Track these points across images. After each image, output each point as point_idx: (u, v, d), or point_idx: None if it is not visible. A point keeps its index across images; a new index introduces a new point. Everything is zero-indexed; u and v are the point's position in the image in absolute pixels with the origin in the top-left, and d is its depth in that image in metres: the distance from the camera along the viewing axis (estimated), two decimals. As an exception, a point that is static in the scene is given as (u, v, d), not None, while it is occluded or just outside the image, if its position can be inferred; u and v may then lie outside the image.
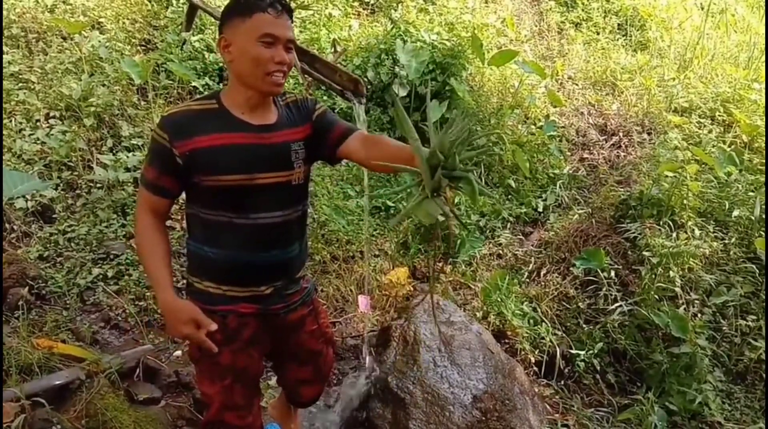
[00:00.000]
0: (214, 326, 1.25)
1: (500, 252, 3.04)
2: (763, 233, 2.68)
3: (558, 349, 2.41)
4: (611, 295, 2.57)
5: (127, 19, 3.88)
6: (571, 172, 3.66)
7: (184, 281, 1.44)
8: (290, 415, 1.78)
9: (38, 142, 2.92)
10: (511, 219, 3.29)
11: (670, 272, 2.52)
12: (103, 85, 3.26)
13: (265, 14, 1.17)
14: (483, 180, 3.50)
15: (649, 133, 3.90)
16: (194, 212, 1.29)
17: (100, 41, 3.52)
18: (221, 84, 3.74)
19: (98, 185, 2.86)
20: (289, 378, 1.58)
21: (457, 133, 1.05)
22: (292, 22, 1.24)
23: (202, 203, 1.27)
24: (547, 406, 2.25)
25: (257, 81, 1.20)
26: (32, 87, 3.19)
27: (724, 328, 2.50)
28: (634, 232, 2.76)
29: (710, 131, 3.66)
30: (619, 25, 5.10)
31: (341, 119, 1.38)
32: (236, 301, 1.32)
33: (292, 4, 2.95)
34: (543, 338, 2.43)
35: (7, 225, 2.60)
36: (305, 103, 1.35)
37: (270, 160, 1.25)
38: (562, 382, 2.42)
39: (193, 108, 1.24)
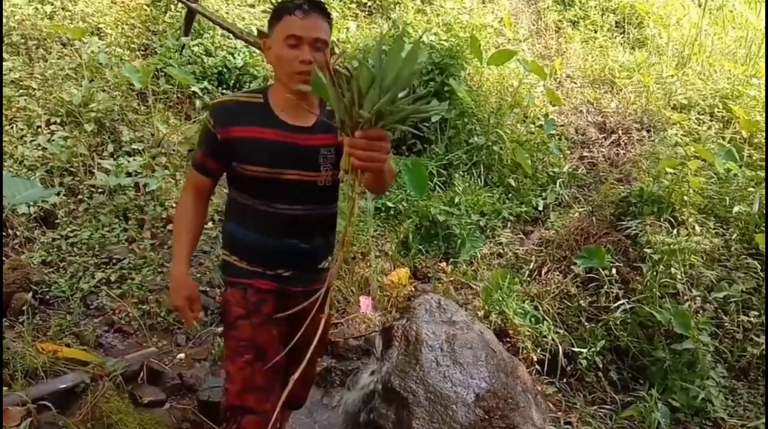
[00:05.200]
0: (201, 315, 1.39)
1: (501, 251, 3.04)
2: (763, 229, 2.68)
3: (560, 348, 2.42)
4: (612, 292, 2.58)
5: (126, 24, 3.90)
6: (570, 170, 3.66)
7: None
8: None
9: (39, 148, 2.94)
10: (511, 218, 3.30)
11: (672, 269, 2.52)
12: (103, 91, 3.28)
13: (292, 16, 1.25)
14: (483, 179, 3.51)
15: (648, 131, 3.90)
16: (231, 196, 1.43)
17: (99, 47, 3.54)
18: (220, 88, 3.76)
19: (100, 190, 2.88)
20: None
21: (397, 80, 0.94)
22: (329, 21, 1.30)
23: (236, 188, 1.40)
24: (550, 404, 2.25)
25: (285, 79, 1.29)
26: (33, 93, 3.21)
27: (726, 324, 2.50)
28: (634, 230, 2.76)
29: (709, 128, 3.66)
30: (616, 22, 5.10)
31: None
32: (257, 276, 1.42)
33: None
34: (545, 337, 2.44)
35: (10, 230, 2.61)
36: None
37: (296, 159, 1.33)
38: (565, 380, 2.42)
39: (240, 99, 1.36)
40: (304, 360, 1.50)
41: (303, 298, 1.40)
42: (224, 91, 3.70)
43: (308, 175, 1.35)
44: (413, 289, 2.75)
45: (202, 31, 3.95)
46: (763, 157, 3.19)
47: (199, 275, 2.64)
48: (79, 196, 2.85)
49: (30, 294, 2.32)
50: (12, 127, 3.01)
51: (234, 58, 3.81)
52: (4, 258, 2.42)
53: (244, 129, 1.31)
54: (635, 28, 5.04)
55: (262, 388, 1.38)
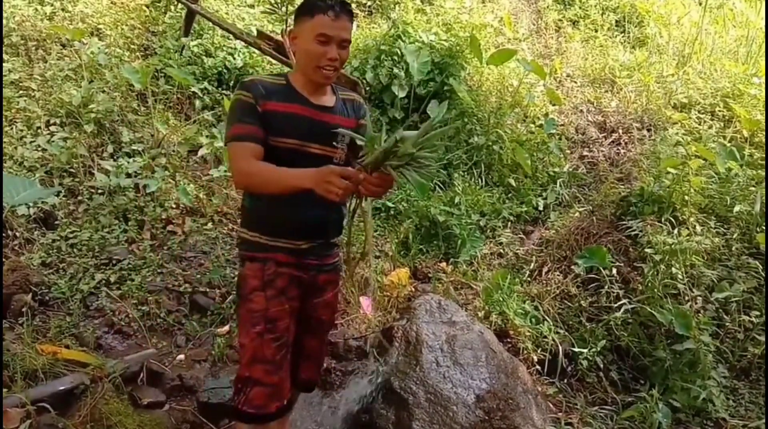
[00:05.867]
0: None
1: (501, 251, 3.04)
2: (764, 228, 2.68)
3: (560, 348, 2.41)
4: (613, 292, 2.57)
5: (126, 25, 3.90)
6: (571, 169, 3.66)
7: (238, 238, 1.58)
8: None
9: (39, 149, 2.93)
10: (511, 218, 3.29)
11: (673, 269, 2.52)
12: (103, 92, 3.28)
13: (324, 16, 1.37)
14: (483, 179, 3.50)
15: (648, 130, 3.89)
16: None
17: (99, 48, 3.54)
18: (220, 88, 3.75)
19: (99, 191, 2.87)
20: (294, 345, 1.59)
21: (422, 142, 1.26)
22: (353, 22, 1.43)
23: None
24: (551, 405, 2.25)
25: (310, 71, 1.43)
26: (32, 94, 3.21)
27: (728, 324, 2.50)
28: (635, 229, 2.75)
29: (710, 127, 3.65)
30: (617, 21, 5.10)
31: None
32: (276, 250, 1.49)
33: (289, 8, 2.96)
34: (545, 337, 2.43)
35: (9, 232, 2.61)
36: (360, 107, 1.58)
37: (319, 135, 1.46)
38: (565, 381, 2.41)
39: (267, 80, 1.47)
40: (317, 335, 1.58)
41: (316, 271, 1.54)
42: (224, 91, 3.70)
43: (327, 149, 1.46)
44: (413, 289, 2.74)
45: (201, 32, 3.94)
46: (764, 156, 3.18)
47: (198, 276, 2.64)
48: (79, 197, 2.85)
49: (30, 295, 2.32)
50: (12, 128, 3.01)
51: (234, 58, 3.80)
52: (3, 259, 2.42)
53: (278, 104, 1.42)
54: (635, 27, 5.03)
55: (271, 361, 1.44)
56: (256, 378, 1.43)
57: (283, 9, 3.00)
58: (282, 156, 1.41)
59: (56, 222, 2.73)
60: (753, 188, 2.90)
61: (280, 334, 1.45)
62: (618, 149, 3.82)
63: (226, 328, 2.42)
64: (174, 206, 2.93)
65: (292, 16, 1.53)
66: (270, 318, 1.44)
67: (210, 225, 2.95)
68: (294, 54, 1.48)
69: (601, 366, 2.42)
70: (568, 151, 3.81)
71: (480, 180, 3.49)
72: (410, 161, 1.25)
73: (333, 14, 1.36)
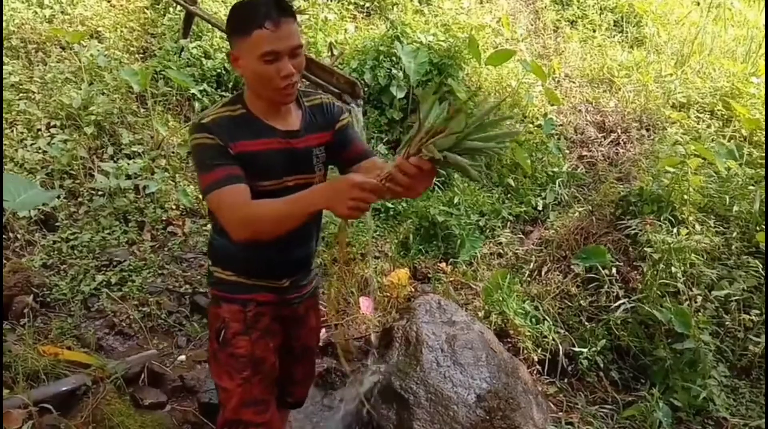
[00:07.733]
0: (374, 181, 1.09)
1: (501, 251, 3.04)
2: (763, 227, 2.68)
3: (561, 347, 2.42)
4: (613, 292, 2.57)
5: (125, 27, 3.91)
6: (570, 169, 3.66)
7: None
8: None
9: (40, 151, 2.94)
10: (511, 218, 3.30)
11: (672, 268, 2.52)
12: (103, 94, 3.29)
13: (263, 30, 1.14)
14: (483, 179, 3.51)
15: (647, 130, 3.90)
16: None
17: (98, 50, 3.55)
18: (219, 90, 3.76)
19: (100, 193, 2.88)
20: (282, 375, 1.55)
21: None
22: (296, 21, 1.20)
23: None
24: (551, 405, 2.25)
25: (270, 94, 1.22)
26: (32, 97, 3.21)
27: (728, 322, 2.50)
28: (634, 229, 2.75)
29: (709, 126, 3.66)
30: (615, 21, 5.10)
31: (359, 138, 1.41)
32: (256, 289, 1.37)
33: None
34: (545, 337, 2.44)
35: (10, 234, 2.62)
36: (331, 109, 1.37)
37: (295, 164, 1.29)
38: (566, 380, 2.42)
39: (224, 115, 1.24)
40: (304, 361, 1.56)
41: (297, 304, 1.46)
42: (223, 93, 3.71)
43: (306, 177, 1.31)
44: (413, 289, 2.75)
45: (200, 34, 3.95)
46: (763, 155, 3.19)
47: (199, 277, 2.65)
48: (80, 199, 2.86)
49: (31, 297, 2.33)
50: (12, 131, 3.02)
51: (233, 60, 3.81)
52: (4, 261, 2.42)
53: (247, 143, 1.22)
54: (634, 27, 5.04)
55: (261, 400, 1.37)
56: (247, 420, 1.34)
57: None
58: (258, 197, 1.21)
59: (57, 224, 2.74)
60: (752, 187, 2.91)
61: (267, 374, 1.38)
62: (617, 149, 3.82)
63: (227, 329, 2.42)
64: (174, 207, 2.94)
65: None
66: (257, 359, 1.35)
67: (210, 226, 2.95)
68: (243, 77, 1.25)
69: (602, 365, 2.42)
70: (567, 151, 3.81)
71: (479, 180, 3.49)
72: (458, 145, 1.01)
73: (272, 25, 1.13)
